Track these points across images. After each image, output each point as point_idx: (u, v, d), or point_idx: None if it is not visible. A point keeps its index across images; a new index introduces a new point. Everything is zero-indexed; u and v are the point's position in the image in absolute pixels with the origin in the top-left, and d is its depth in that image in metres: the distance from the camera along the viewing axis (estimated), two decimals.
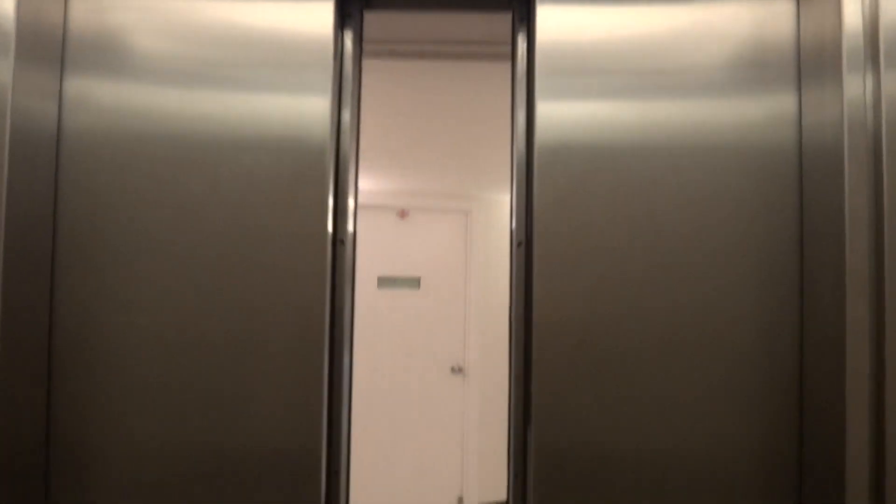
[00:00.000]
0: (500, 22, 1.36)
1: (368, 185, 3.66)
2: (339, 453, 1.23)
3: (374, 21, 1.36)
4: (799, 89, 1.17)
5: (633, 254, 1.15)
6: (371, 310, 3.81)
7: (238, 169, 1.15)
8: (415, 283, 3.92)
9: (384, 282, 3.85)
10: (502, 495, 4.02)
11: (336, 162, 1.23)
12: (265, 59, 1.17)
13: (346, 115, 1.25)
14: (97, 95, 1.15)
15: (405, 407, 3.87)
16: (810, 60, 1.14)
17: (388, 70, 1.97)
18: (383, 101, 2.29)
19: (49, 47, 1.13)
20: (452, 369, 3.98)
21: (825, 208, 1.08)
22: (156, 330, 1.14)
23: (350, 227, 1.28)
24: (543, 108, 1.16)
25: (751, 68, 1.17)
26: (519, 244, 1.23)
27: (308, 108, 1.16)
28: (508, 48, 1.33)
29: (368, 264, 3.82)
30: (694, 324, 1.15)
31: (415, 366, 3.90)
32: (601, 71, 1.17)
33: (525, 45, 1.28)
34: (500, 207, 4.04)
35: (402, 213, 3.90)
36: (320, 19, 1.17)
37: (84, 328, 1.13)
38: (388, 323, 3.85)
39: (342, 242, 1.24)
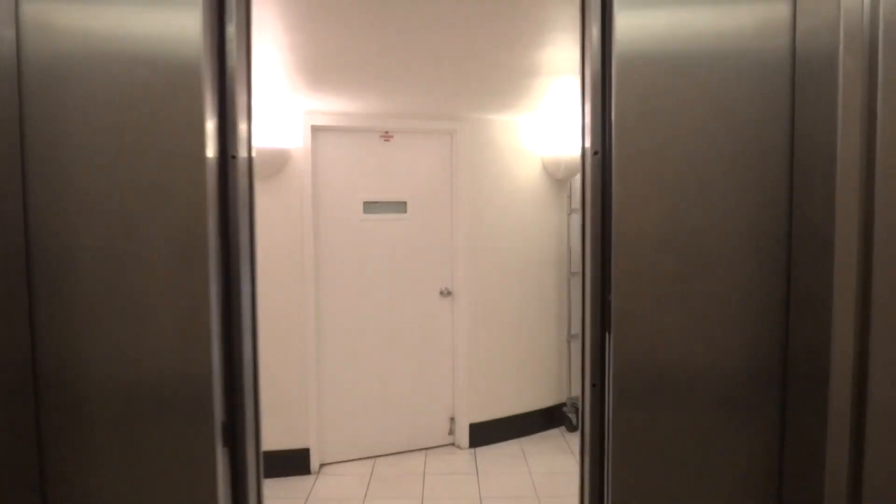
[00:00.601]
0: None
1: (350, 107, 3.57)
2: (242, 373, 1.25)
3: None
4: None
5: (709, 160, 1.17)
6: (357, 235, 3.81)
7: (115, 85, 1.12)
8: (401, 206, 3.89)
9: (370, 206, 3.82)
10: (491, 415, 4.14)
11: (220, 79, 1.18)
12: None
13: (231, 29, 1.19)
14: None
15: (395, 331, 3.93)
16: None
17: None
18: (359, 18, 2.19)
19: None
20: (441, 292, 4.00)
21: (818, 111, 1.09)
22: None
23: (244, 147, 1.24)
24: (622, 19, 1.16)
25: None
26: (595, 153, 1.25)
27: (178, 22, 1.10)
28: None
29: (353, 189, 3.79)
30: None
31: (404, 290, 3.93)
32: None
33: None
34: (485, 127, 3.94)
35: (386, 136, 3.82)
36: None
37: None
38: (376, 248, 3.85)
39: (233, 157, 1.21)
